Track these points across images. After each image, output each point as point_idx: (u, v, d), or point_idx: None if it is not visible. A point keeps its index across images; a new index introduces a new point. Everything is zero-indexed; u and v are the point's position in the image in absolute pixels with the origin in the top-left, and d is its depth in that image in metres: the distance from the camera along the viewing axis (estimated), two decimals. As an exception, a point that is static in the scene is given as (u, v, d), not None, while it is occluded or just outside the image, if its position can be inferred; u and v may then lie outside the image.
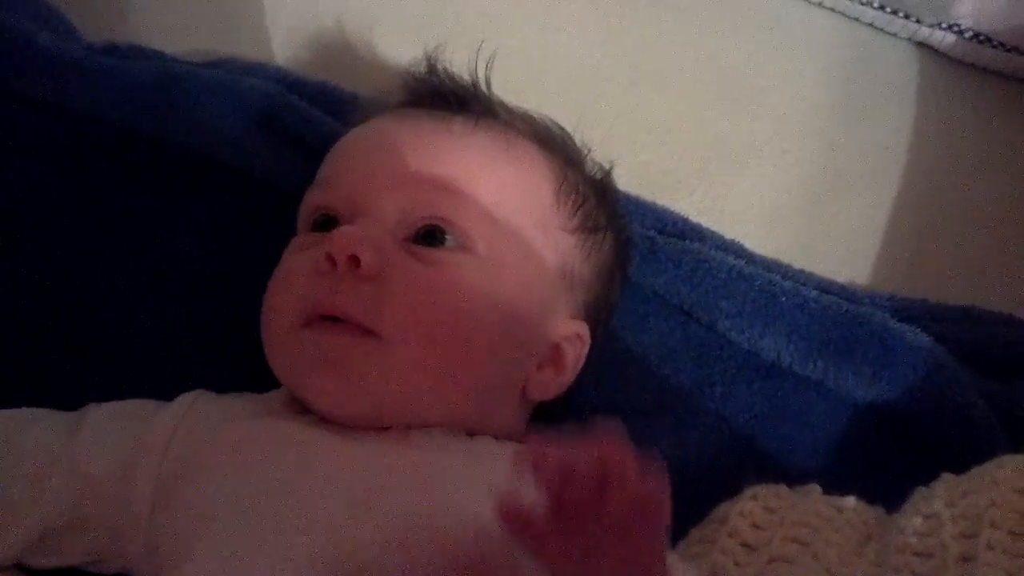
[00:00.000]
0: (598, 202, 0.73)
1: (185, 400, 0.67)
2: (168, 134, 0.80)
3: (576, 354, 0.70)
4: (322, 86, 0.86)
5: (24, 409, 0.68)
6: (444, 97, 0.72)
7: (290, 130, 0.80)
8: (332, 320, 0.63)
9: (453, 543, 0.55)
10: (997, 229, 0.94)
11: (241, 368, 0.70)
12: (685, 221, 0.85)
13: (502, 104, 0.73)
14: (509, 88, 0.75)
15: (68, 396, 0.70)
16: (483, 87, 0.74)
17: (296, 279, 0.65)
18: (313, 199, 0.69)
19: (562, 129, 0.75)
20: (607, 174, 0.76)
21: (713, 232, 0.85)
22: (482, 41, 0.74)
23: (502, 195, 0.67)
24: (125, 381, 0.72)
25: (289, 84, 0.85)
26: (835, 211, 0.94)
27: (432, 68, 0.75)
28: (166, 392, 0.69)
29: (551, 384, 0.69)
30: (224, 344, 0.76)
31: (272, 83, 0.84)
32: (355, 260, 0.62)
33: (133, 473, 0.64)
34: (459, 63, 0.75)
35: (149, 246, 0.79)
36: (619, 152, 0.79)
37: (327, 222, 0.67)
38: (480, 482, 0.51)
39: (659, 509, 0.47)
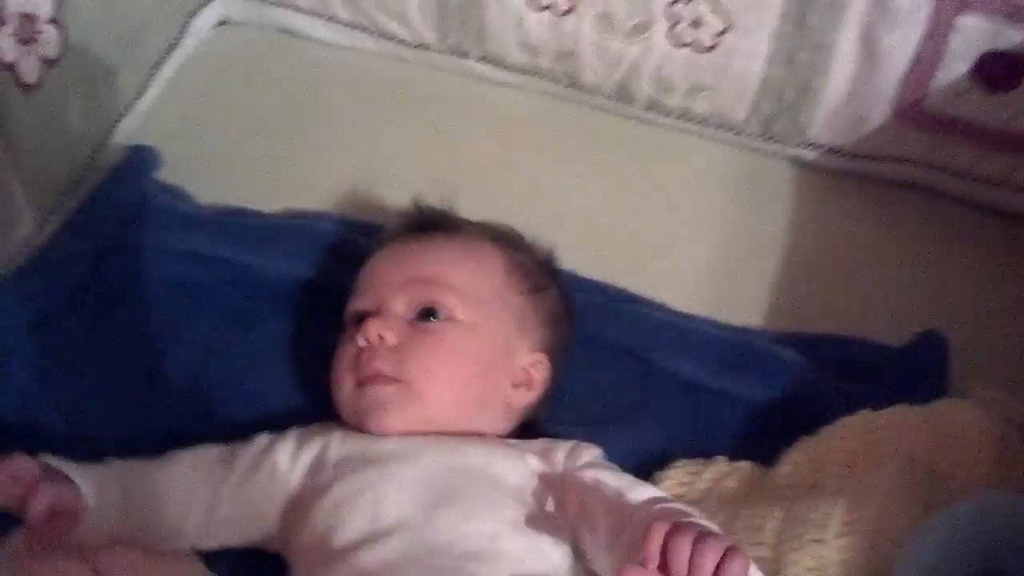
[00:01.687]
0: (540, 272, 0.99)
1: (294, 431, 0.93)
2: (270, 265, 1.08)
3: (540, 375, 0.95)
4: (366, 223, 1.14)
5: (188, 451, 0.92)
6: (426, 224, 1.02)
7: (354, 257, 1.03)
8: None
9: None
10: (852, 287, 1.16)
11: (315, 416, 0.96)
12: (627, 291, 1.10)
13: (466, 221, 1.03)
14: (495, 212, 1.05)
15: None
16: (450, 214, 1.03)
17: (348, 358, 0.93)
18: (352, 306, 0.96)
19: (512, 229, 1.03)
20: (548, 253, 1.03)
21: (645, 297, 1.09)
22: (451, 188, 1.03)
23: (469, 280, 0.94)
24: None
25: (345, 224, 1.13)
26: (733, 283, 1.15)
27: (418, 207, 1.04)
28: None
29: (524, 397, 0.95)
30: (309, 401, 1.00)
31: (336, 224, 1.13)
32: (381, 338, 0.92)
33: (274, 490, 0.90)
34: (459, 198, 1.05)
35: (257, 340, 1.06)
36: (575, 251, 1.07)
37: (361, 318, 0.94)
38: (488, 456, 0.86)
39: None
